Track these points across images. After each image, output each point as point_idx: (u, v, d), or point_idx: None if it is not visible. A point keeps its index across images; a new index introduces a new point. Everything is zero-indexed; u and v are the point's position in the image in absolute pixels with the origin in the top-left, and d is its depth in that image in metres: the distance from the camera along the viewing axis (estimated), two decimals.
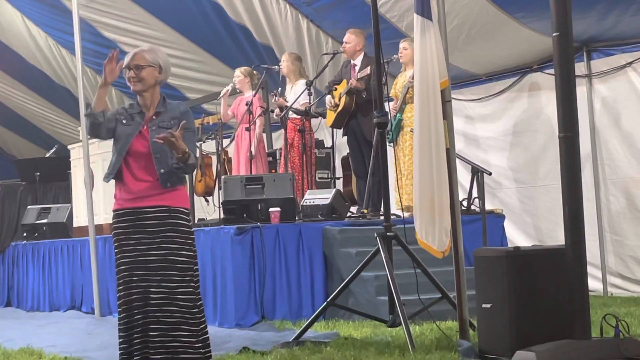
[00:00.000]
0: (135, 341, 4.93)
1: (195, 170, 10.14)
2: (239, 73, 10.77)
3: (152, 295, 4.90)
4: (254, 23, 11.32)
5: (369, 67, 9.47)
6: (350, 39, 9.77)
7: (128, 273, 4.96)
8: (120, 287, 5.01)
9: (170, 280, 4.90)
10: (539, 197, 10.22)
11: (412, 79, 8.68)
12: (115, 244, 5.05)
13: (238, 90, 10.89)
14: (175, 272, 4.91)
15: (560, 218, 9.41)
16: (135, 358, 4.94)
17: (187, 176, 5.39)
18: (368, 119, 9.52)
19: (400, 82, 9.66)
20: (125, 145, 5.04)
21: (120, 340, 5.00)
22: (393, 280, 6.47)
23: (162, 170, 4.98)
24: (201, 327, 4.98)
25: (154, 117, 5.08)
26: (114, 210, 5.08)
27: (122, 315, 5.00)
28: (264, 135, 11.01)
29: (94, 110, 5.04)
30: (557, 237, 9.60)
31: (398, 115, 9.47)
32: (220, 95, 10.98)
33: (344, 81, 9.81)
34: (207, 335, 5.03)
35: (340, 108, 9.80)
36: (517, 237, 10.18)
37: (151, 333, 4.89)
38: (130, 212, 5.00)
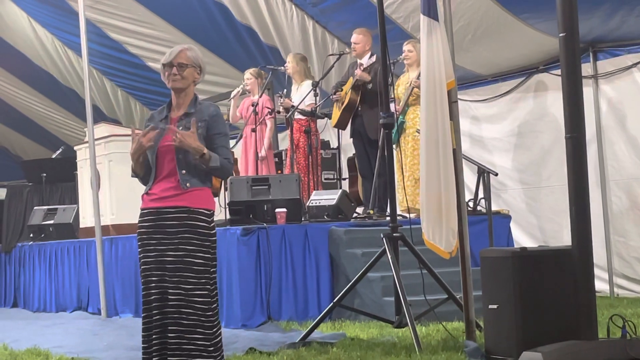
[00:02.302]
0: (155, 342, 4.92)
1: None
2: (249, 75, 10.77)
3: (169, 297, 4.88)
4: (260, 24, 11.33)
5: (374, 56, 9.46)
6: (359, 39, 9.77)
7: (148, 273, 4.96)
8: (142, 287, 5.01)
9: (187, 282, 4.86)
10: (543, 198, 10.21)
11: (418, 78, 8.68)
12: (139, 244, 5.03)
13: (248, 92, 10.90)
14: (191, 274, 4.87)
15: (564, 219, 9.49)
16: (155, 359, 4.94)
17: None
18: (372, 118, 9.53)
19: (403, 83, 9.65)
20: (154, 155, 5.02)
21: (142, 340, 5.00)
22: (399, 281, 6.48)
23: (183, 171, 4.95)
24: (214, 330, 4.93)
25: (182, 117, 5.05)
26: (140, 210, 5.09)
27: (143, 315, 5.00)
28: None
29: (140, 174, 5.08)
30: (561, 238, 9.60)
31: (400, 117, 9.46)
32: (231, 97, 10.99)
33: (350, 79, 9.81)
34: (220, 338, 4.99)
35: (345, 104, 9.80)
36: (521, 237, 10.17)
37: (169, 335, 4.88)
38: (153, 212, 4.99)
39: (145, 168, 5.08)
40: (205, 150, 4.89)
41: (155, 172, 5.03)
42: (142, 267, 5.01)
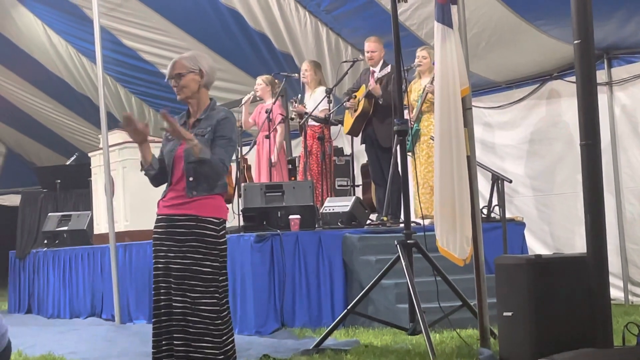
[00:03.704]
0: (163, 347, 4.94)
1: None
2: (260, 81, 10.80)
3: (175, 304, 4.90)
4: (274, 31, 11.35)
5: (389, 66, 9.47)
6: (375, 47, 9.73)
7: (159, 279, 4.99)
8: (153, 293, 5.04)
9: (193, 291, 4.87)
10: (556, 205, 10.18)
11: (431, 83, 8.67)
12: (152, 249, 5.08)
13: (259, 99, 10.91)
14: (198, 282, 4.87)
15: (577, 226, 9.47)
16: None
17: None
18: (384, 126, 9.54)
19: (415, 90, 9.65)
20: (170, 161, 5.07)
21: (152, 345, 5.02)
22: (413, 288, 6.47)
23: (190, 179, 4.96)
24: (224, 338, 4.91)
25: (195, 124, 5.05)
26: (156, 215, 5.12)
27: (153, 320, 5.02)
28: (284, 142, 11.03)
29: (144, 166, 5.09)
30: (574, 245, 9.57)
31: (415, 125, 9.46)
32: (242, 103, 11.01)
33: (363, 86, 9.81)
34: (231, 346, 4.97)
35: (358, 112, 9.81)
36: (533, 244, 10.13)
37: (176, 342, 4.89)
38: (165, 219, 5.02)
39: (153, 165, 5.09)
40: (196, 141, 4.88)
41: (170, 179, 5.06)
42: (153, 272, 5.05)
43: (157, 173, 5.12)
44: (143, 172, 5.15)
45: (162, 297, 4.97)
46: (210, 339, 4.87)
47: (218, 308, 4.92)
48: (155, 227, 5.07)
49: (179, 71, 5.06)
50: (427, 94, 9.26)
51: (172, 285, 4.92)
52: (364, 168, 10.82)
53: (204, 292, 4.88)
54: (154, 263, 5.04)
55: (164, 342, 4.95)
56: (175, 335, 4.90)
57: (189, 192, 4.96)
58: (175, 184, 5.04)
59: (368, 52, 9.83)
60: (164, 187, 5.18)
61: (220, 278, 4.97)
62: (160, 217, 5.07)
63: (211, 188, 5.00)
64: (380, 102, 9.60)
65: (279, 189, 8.94)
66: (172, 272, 4.92)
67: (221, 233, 5.01)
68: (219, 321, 4.91)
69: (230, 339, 4.99)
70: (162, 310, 4.96)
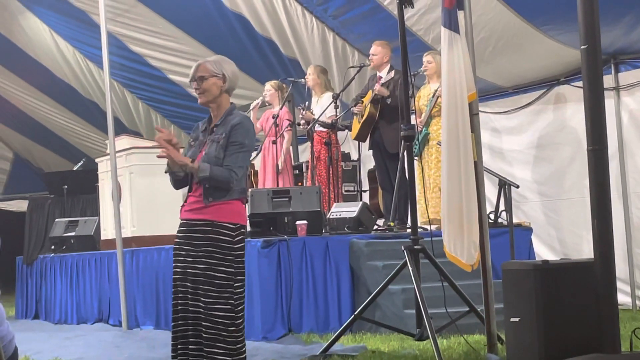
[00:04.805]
0: (179, 352, 4.96)
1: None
2: (269, 87, 10.82)
3: (190, 309, 4.91)
4: (280, 36, 11.36)
5: (393, 71, 9.47)
6: (377, 51, 9.77)
7: (177, 283, 5.00)
8: (172, 297, 5.05)
9: (207, 296, 4.87)
10: (563, 211, 10.17)
11: (439, 91, 8.68)
12: (173, 253, 5.10)
13: (268, 104, 10.92)
14: (212, 287, 4.87)
15: (584, 231, 9.45)
16: None
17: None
18: (390, 131, 9.55)
19: (424, 95, 9.65)
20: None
21: (171, 349, 5.04)
22: (420, 294, 6.46)
23: (206, 185, 4.97)
24: (238, 346, 4.89)
25: (213, 130, 5.05)
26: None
27: (172, 324, 5.04)
28: (291, 148, 11.04)
29: (172, 168, 5.04)
30: (581, 250, 9.55)
31: (424, 129, 9.46)
32: (251, 108, 11.01)
33: (370, 92, 9.82)
34: (244, 356, 4.97)
35: (364, 118, 9.82)
36: (540, 249, 10.12)
37: (191, 346, 4.90)
38: (185, 224, 5.05)
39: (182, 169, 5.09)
40: (188, 162, 4.89)
41: (190, 185, 5.07)
42: (173, 277, 5.05)
43: (182, 177, 5.11)
44: (168, 172, 5.12)
45: (179, 302, 4.99)
46: (222, 345, 4.86)
47: (232, 314, 4.90)
48: (178, 231, 5.11)
49: (201, 74, 5.07)
50: (437, 97, 9.25)
51: (189, 290, 4.93)
52: (371, 173, 10.82)
53: (218, 298, 4.88)
54: (174, 267, 5.07)
55: (179, 347, 4.97)
56: (190, 339, 4.91)
57: (205, 199, 4.97)
58: (194, 190, 5.06)
59: (369, 55, 9.86)
60: (172, 192, 5.20)
61: (236, 284, 4.94)
62: (181, 221, 5.10)
63: (230, 194, 4.99)
64: (389, 102, 9.59)
65: (286, 195, 8.94)
66: (189, 277, 4.94)
67: (237, 239, 4.99)
68: (233, 328, 4.89)
69: (243, 348, 4.98)
70: (179, 315, 4.98)
